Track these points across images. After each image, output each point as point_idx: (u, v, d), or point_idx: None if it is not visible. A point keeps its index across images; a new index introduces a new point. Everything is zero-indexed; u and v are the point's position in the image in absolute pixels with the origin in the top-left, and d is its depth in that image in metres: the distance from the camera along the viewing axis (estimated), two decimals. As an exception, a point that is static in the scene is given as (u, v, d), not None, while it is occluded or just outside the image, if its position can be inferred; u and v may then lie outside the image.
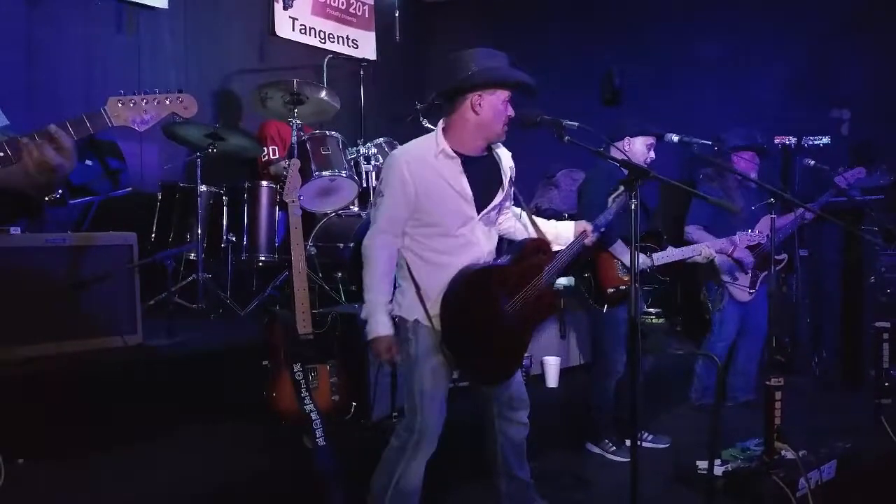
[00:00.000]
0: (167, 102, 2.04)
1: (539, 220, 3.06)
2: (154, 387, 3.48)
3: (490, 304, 2.74)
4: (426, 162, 2.70)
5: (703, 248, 4.19)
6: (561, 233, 3.10)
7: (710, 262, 4.55)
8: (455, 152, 2.71)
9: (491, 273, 2.77)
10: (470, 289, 2.69)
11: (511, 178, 2.89)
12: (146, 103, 2.00)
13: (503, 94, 2.71)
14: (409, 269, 2.75)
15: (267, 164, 5.41)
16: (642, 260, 3.84)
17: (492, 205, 2.80)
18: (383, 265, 2.71)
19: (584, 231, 3.10)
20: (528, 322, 2.86)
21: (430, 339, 2.72)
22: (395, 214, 2.71)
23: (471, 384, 3.13)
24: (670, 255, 3.99)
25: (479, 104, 2.69)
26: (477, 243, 2.77)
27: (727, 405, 4.75)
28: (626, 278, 3.69)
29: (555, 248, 2.99)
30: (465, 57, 2.71)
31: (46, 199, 1.92)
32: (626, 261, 3.73)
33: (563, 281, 4.22)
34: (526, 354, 3.00)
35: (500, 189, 2.83)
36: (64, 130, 1.85)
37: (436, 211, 2.69)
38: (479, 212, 2.75)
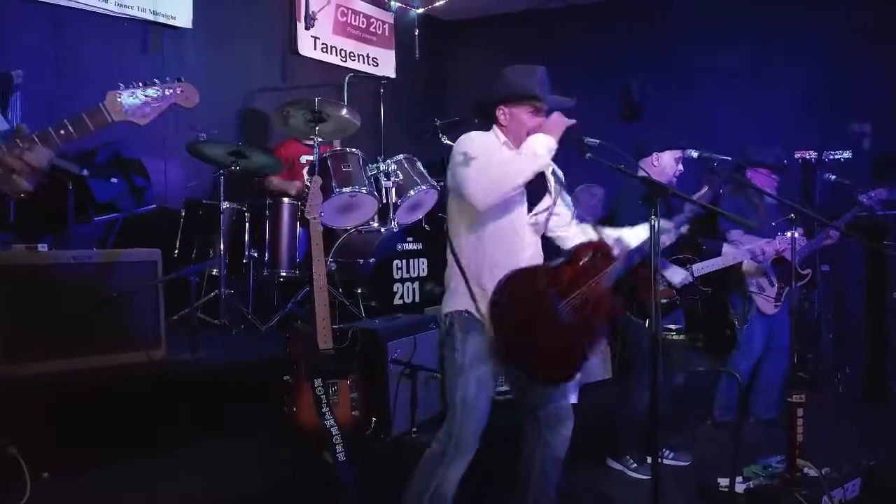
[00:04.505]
0: (167, 93, 2.03)
1: (605, 229, 3.07)
2: (177, 401, 3.52)
3: (538, 303, 2.72)
4: (498, 144, 2.82)
5: (735, 253, 4.23)
6: (624, 237, 3.03)
7: (737, 274, 4.53)
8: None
9: (538, 272, 2.80)
10: (516, 286, 2.68)
11: (559, 188, 2.94)
12: (146, 95, 2.00)
13: (528, 107, 2.80)
14: (456, 259, 2.77)
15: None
16: (682, 274, 3.85)
17: (540, 206, 2.85)
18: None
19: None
20: (586, 324, 2.81)
21: (478, 347, 2.72)
22: None
23: (516, 397, 3.09)
24: (710, 264, 4.00)
25: (505, 116, 2.82)
26: (521, 241, 2.80)
27: (749, 422, 4.70)
28: (668, 291, 3.73)
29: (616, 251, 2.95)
30: (500, 74, 2.85)
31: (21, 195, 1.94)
32: (668, 275, 3.75)
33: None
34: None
35: (548, 194, 2.89)
36: (63, 129, 1.86)
37: None
38: (528, 211, 2.81)
